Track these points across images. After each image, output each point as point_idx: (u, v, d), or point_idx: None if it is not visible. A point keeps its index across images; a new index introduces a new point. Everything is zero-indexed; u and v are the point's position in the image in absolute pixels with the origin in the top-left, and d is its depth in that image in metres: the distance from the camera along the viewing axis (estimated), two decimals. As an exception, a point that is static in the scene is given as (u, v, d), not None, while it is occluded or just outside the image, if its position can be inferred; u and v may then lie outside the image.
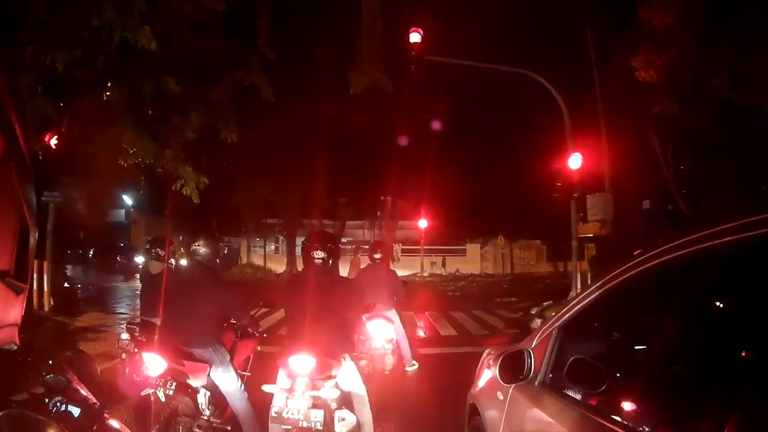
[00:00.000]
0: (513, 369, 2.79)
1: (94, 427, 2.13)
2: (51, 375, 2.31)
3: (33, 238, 0.91)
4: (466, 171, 26.00)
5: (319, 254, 4.38)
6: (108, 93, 10.77)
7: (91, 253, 19.01)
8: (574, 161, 12.73)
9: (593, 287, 2.54)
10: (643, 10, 13.46)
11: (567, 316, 2.68)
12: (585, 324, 2.69)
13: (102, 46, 9.61)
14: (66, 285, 14.71)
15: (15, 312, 1.00)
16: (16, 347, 2.48)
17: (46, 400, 2.19)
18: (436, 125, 24.44)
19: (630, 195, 17.88)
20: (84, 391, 2.39)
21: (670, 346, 2.05)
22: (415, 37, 12.75)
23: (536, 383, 2.70)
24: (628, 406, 2.07)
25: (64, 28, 9.29)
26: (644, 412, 1.95)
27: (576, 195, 13.44)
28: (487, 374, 3.59)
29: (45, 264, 12.36)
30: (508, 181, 23.46)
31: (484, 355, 3.90)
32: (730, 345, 1.52)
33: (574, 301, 2.66)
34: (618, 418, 1.97)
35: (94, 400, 2.42)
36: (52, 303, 12.67)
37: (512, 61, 14.52)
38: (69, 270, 15.96)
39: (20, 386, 2.21)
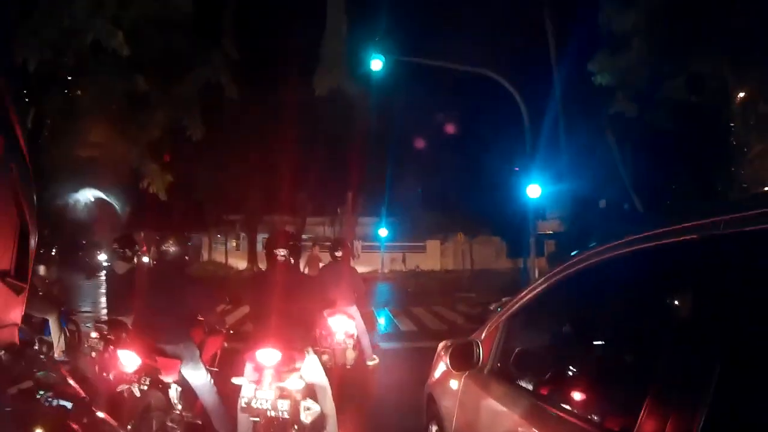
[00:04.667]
0: (462, 358, 2.94)
1: (85, 420, 2.13)
2: (43, 371, 2.30)
3: (33, 238, 0.90)
4: (425, 168, 26.29)
5: (281, 252, 4.58)
6: (78, 91, 10.69)
7: (54, 250, 18.36)
8: (533, 191, 12.93)
9: (537, 282, 2.70)
10: (602, 16, 13.88)
11: (513, 308, 2.83)
12: (532, 316, 2.79)
13: (73, 47, 9.56)
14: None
15: (15, 312, 0.90)
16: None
17: (38, 396, 2.18)
18: (396, 123, 24.60)
19: (588, 193, 18.32)
20: (75, 387, 2.41)
21: (616, 339, 2.16)
22: (376, 65, 13.14)
23: (485, 372, 2.86)
24: (572, 394, 2.19)
25: (35, 29, 9.20)
26: (588, 400, 2.07)
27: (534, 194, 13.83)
28: (442, 366, 3.74)
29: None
30: (467, 178, 23.77)
31: (440, 347, 4.04)
32: (672, 341, 1.55)
33: (519, 295, 2.86)
34: (563, 405, 2.09)
35: (84, 395, 2.45)
36: None
37: (473, 61, 14.82)
38: (41, 270, 15.28)
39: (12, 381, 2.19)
